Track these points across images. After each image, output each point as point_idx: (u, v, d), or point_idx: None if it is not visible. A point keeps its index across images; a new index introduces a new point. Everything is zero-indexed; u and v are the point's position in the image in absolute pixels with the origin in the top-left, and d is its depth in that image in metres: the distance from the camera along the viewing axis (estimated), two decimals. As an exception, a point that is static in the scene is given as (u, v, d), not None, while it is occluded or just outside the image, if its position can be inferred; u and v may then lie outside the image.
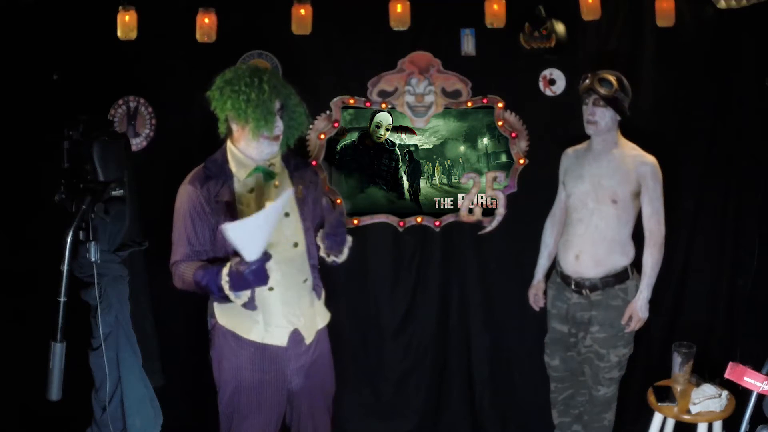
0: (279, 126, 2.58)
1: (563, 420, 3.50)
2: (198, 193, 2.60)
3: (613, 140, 3.23)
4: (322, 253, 2.75)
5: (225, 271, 2.43)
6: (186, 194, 2.63)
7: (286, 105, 2.60)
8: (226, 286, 2.42)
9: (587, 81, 3.16)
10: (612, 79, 3.13)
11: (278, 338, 2.65)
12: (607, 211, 3.20)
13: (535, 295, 3.54)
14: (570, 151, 3.41)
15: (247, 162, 2.64)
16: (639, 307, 3.21)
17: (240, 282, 2.40)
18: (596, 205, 3.21)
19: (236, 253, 2.41)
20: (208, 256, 2.65)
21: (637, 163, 3.19)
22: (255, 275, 2.38)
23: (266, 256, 2.40)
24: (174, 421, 3.20)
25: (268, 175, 2.66)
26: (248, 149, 2.62)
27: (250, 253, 2.36)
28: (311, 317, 2.74)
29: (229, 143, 2.67)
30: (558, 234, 3.45)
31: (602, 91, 3.11)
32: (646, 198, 3.19)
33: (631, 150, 3.23)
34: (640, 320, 3.22)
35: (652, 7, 3.57)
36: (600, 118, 3.16)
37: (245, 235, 2.34)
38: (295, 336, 2.68)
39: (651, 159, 3.20)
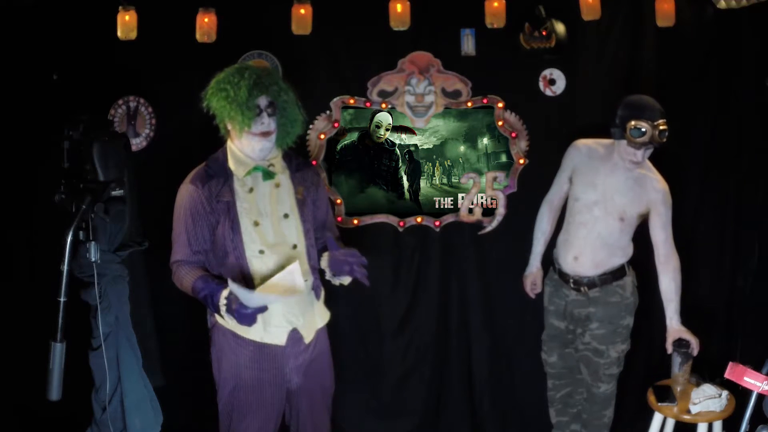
0: (265, 122, 2.58)
1: (561, 419, 3.50)
2: (199, 193, 2.61)
3: None
4: (328, 277, 2.76)
5: (224, 294, 2.49)
6: (187, 193, 2.63)
7: (275, 102, 2.60)
8: (222, 308, 2.50)
9: (646, 136, 3.01)
10: (667, 126, 3.05)
11: (277, 338, 2.66)
12: (612, 223, 3.18)
13: (533, 283, 3.51)
14: (582, 146, 3.29)
15: (245, 161, 2.64)
16: (675, 329, 3.18)
17: (232, 310, 2.49)
18: (602, 215, 3.19)
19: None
20: (207, 255, 2.67)
21: (650, 188, 3.16)
22: (242, 317, 2.48)
23: (263, 309, 2.51)
24: (174, 421, 3.20)
25: (267, 174, 2.66)
26: (244, 147, 2.63)
27: (250, 302, 2.47)
28: (310, 317, 2.74)
29: (229, 142, 2.68)
30: (554, 220, 3.43)
31: (660, 141, 3.06)
32: (658, 223, 3.17)
33: (646, 171, 3.18)
34: (684, 333, 3.17)
35: (652, 7, 3.57)
36: (645, 157, 3.13)
37: (250, 295, 2.46)
38: (294, 335, 2.68)
39: (663, 185, 3.17)
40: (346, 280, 2.72)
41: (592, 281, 3.24)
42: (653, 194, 3.17)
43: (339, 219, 3.72)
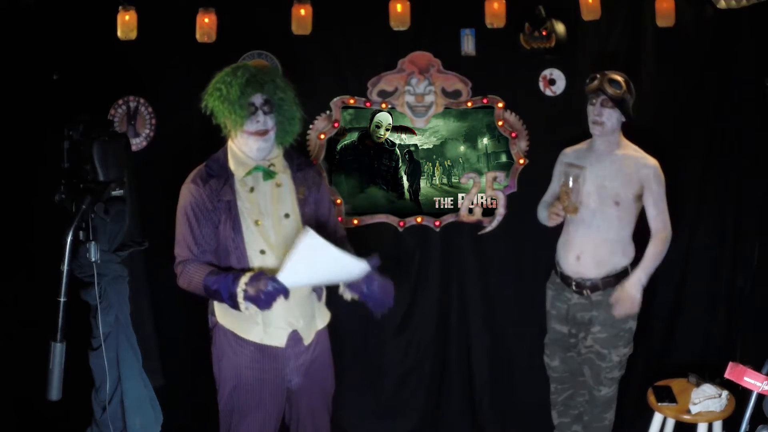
0: (261, 120, 2.57)
1: (563, 420, 3.50)
2: (201, 191, 2.60)
3: (616, 141, 3.23)
4: (344, 293, 2.65)
5: (244, 279, 2.44)
6: (188, 193, 2.63)
7: (271, 99, 2.58)
8: (241, 294, 2.44)
9: (596, 81, 3.15)
10: (621, 80, 3.13)
11: (277, 339, 2.65)
12: (609, 212, 3.20)
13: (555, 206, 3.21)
14: (569, 151, 3.38)
15: (246, 161, 2.63)
16: (630, 285, 3.14)
17: (252, 296, 2.43)
18: (598, 206, 3.21)
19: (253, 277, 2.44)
20: (212, 255, 2.65)
21: (639, 165, 3.18)
22: (267, 296, 2.40)
23: (287, 292, 2.42)
24: (174, 421, 3.20)
25: (268, 174, 2.66)
26: (243, 147, 2.62)
27: (289, 274, 2.37)
28: (310, 319, 2.73)
29: (230, 142, 2.67)
30: None
31: (611, 91, 3.11)
32: (650, 200, 3.19)
33: (633, 152, 3.23)
34: (632, 299, 3.13)
35: (652, 7, 3.57)
36: (607, 119, 3.15)
37: (310, 256, 2.34)
38: (294, 336, 2.68)
39: (653, 162, 3.20)
40: (356, 296, 2.63)
41: (594, 284, 3.23)
42: (644, 171, 3.18)
43: (339, 219, 3.72)
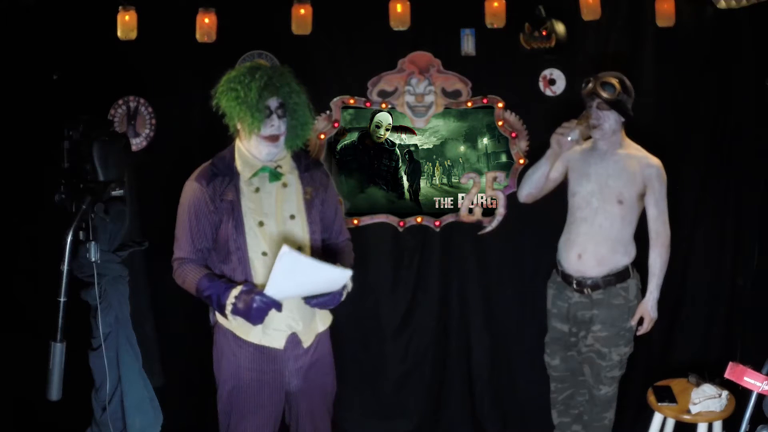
0: (275, 125, 2.56)
1: (563, 420, 3.50)
2: (203, 191, 2.59)
3: (618, 141, 3.23)
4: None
5: (234, 293, 2.47)
6: (191, 191, 2.62)
7: (286, 103, 2.58)
8: (229, 307, 2.48)
9: (590, 85, 3.15)
10: (615, 82, 3.12)
11: (275, 341, 2.64)
12: (612, 211, 3.20)
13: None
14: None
15: (253, 161, 2.62)
16: (650, 308, 3.24)
17: (241, 309, 2.46)
18: (601, 204, 3.21)
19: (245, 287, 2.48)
20: (209, 254, 2.65)
21: (643, 165, 3.19)
22: (257, 312, 2.45)
23: (278, 306, 2.46)
24: (174, 421, 3.20)
25: (274, 175, 2.65)
26: (252, 148, 2.61)
27: (275, 288, 2.41)
28: (311, 322, 2.71)
29: (237, 141, 2.66)
30: None
31: (605, 95, 3.10)
32: (652, 200, 3.20)
33: (636, 151, 3.23)
34: (651, 320, 3.25)
35: (652, 7, 3.58)
36: (605, 122, 3.16)
37: (291, 270, 2.37)
38: (293, 338, 2.67)
39: (656, 161, 3.20)
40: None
41: (595, 283, 3.23)
42: (647, 170, 3.19)
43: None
